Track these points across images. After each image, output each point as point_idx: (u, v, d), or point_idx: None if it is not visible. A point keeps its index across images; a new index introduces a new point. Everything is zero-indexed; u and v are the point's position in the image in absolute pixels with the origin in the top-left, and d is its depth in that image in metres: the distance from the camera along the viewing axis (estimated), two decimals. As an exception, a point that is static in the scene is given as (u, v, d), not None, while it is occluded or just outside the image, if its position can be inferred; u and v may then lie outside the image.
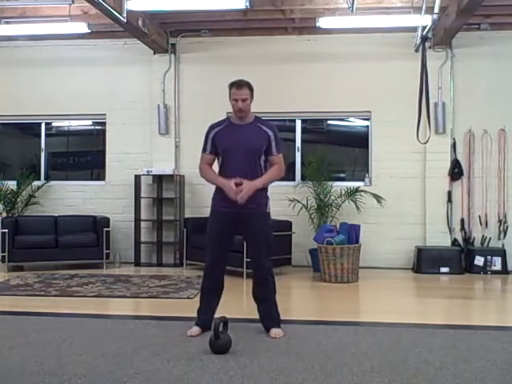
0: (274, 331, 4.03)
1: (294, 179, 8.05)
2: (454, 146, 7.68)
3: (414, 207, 7.72)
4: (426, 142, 6.00)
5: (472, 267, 7.24)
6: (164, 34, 7.95)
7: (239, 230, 4.06)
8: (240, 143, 3.97)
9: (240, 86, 4.04)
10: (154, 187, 8.09)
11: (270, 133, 4.05)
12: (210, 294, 4.12)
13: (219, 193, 4.03)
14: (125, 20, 6.19)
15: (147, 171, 7.93)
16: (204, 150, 4.15)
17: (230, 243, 4.08)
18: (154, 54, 8.08)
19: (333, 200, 7.42)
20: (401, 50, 7.61)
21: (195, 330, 4.05)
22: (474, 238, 7.59)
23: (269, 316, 4.10)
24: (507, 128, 7.59)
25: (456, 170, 7.64)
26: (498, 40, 7.64)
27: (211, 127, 4.15)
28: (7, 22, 7.29)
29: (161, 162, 8.06)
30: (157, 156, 8.10)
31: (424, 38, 5.77)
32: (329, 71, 7.85)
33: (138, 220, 7.98)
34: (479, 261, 7.24)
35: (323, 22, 6.91)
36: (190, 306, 4.75)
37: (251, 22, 7.68)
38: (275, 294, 4.11)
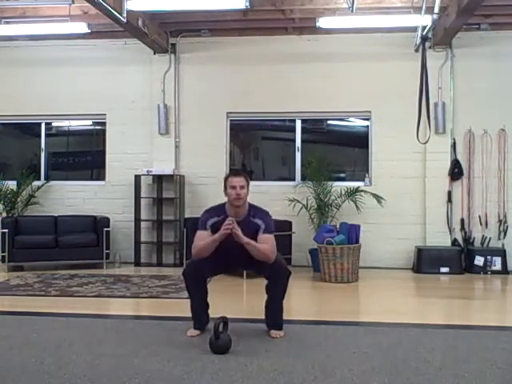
0: (275, 332, 4.03)
1: (294, 179, 8.05)
2: (454, 146, 7.68)
3: (413, 207, 7.71)
4: (426, 142, 6.00)
5: (472, 267, 7.24)
6: (164, 34, 7.95)
7: None
8: (235, 242, 3.88)
9: (237, 175, 4.10)
10: (153, 187, 8.09)
11: (262, 225, 4.00)
12: (195, 288, 4.05)
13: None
14: (125, 20, 6.18)
15: (147, 171, 7.93)
16: (203, 227, 4.04)
17: None
18: (154, 54, 8.08)
19: (333, 200, 7.42)
20: (401, 49, 7.61)
21: (195, 331, 4.06)
22: (474, 238, 7.59)
23: (274, 316, 4.08)
24: (507, 128, 7.59)
25: (456, 170, 7.64)
26: (498, 40, 7.64)
27: (209, 215, 4.08)
28: (7, 22, 7.28)
29: (161, 161, 8.06)
30: (157, 156, 8.10)
31: (424, 38, 5.76)
32: (329, 71, 7.85)
33: (138, 220, 7.98)
34: (479, 261, 7.23)
35: (323, 22, 6.91)
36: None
37: (251, 21, 7.68)
38: (284, 295, 4.08)
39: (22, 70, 8.36)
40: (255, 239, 3.93)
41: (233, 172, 4.24)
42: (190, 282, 4.04)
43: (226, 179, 4.10)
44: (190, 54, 8.14)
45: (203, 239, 3.96)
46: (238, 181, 4.01)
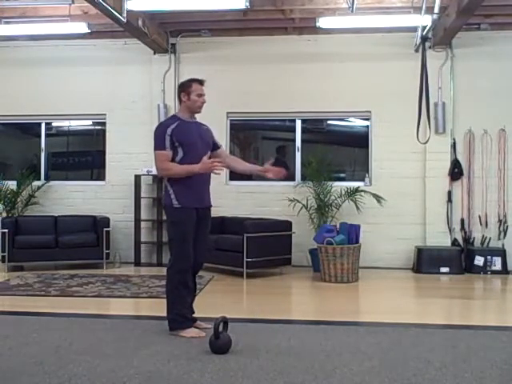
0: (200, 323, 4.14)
1: (294, 179, 8.04)
2: (454, 145, 7.68)
3: (413, 207, 7.71)
4: (426, 142, 6.00)
5: (472, 267, 7.24)
6: (164, 34, 7.95)
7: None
8: (200, 139, 4.07)
9: (202, 83, 4.12)
10: (153, 187, 8.09)
11: (211, 131, 4.27)
12: (187, 290, 4.11)
13: (188, 189, 3.99)
14: (125, 20, 6.19)
15: (147, 171, 7.92)
16: (162, 146, 3.97)
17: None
18: (154, 54, 8.08)
19: (333, 200, 7.42)
20: (401, 49, 7.62)
21: (195, 330, 4.05)
22: (474, 238, 7.58)
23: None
24: (507, 128, 7.59)
25: (456, 170, 7.64)
26: (497, 40, 7.64)
27: (165, 125, 4.04)
28: (7, 22, 7.29)
29: (161, 161, 8.05)
30: (157, 156, 8.09)
31: (424, 38, 5.78)
32: (329, 71, 7.85)
33: (138, 220, 7.98)
34: (479, 261, 7.23)
35: (323, 22, 6.91)
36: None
37: (251, 21, 7.68)
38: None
39: (22, 69, 8.36)
40: (212, 141, 4.20)
41: (196, 79, 4.09)
42: (187, 275, 4.06)
43: (188, 85, 4.05)
44: (190, 53, 8.14)
45: (167, 159, 3.94)
46: (203, 90, 4.08)
